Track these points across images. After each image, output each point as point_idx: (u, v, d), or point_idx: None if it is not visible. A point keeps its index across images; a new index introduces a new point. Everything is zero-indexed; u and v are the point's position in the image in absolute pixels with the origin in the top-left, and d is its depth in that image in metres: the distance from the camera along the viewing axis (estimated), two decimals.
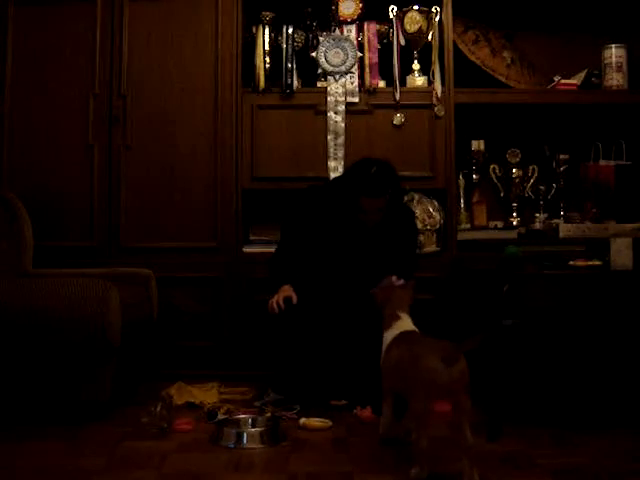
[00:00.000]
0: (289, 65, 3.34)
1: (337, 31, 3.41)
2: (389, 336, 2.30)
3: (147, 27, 3.33)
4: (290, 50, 3.36)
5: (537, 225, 3.49)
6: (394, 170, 2.78)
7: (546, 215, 3.54)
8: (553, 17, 3.61)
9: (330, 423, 2.49)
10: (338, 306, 2.75)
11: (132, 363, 2.93)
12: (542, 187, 3.58)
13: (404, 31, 3.40)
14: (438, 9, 3.39)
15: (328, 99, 3.33)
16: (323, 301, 2.77)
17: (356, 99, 3.35)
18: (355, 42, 3.37)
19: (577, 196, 3.55)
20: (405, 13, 3.40)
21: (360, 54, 3.37)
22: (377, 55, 3.39)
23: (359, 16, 3.40)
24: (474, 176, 3.61)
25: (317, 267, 2.81)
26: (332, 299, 2.77)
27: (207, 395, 2.84)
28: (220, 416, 2.53)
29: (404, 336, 2.25)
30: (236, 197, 3.32)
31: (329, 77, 3.34)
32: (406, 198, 3.34)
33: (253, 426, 2.41)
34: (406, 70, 3.43)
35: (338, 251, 2.79)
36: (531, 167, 3.58)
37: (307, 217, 2.87)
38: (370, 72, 3.37)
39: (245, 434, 2.31)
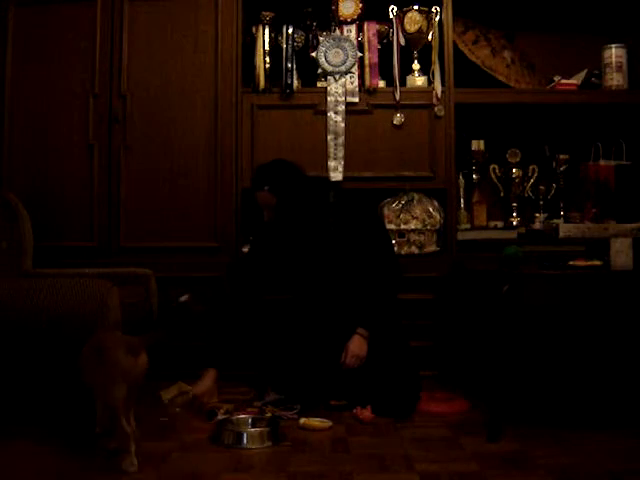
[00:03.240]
0: (289, 65, 3.34)
1: (337, 31, 3.41)
2: None
3: (147, 27, 3.34)
4: (290, 50, 3.36)
5: (537, 225, 3.50)
6: (281, 167, 2.76)
7: (546, 215, 3.54)
8: (553, 17, 3.61)
9: (330, 423, 2.49)
10: (334, 308, 2.76)
11: None
12: (542, 187, 3.58)
13: (404, 31, 3.41)
14: (438, 9, 3.39)
15: (328, 99, 3.33)
16: (318, 304, 2.78)
17: (356, 99, 3.35)
18: (355, 42, 3.37)
19: (577, 196, 3.55)
20: (405, 13, 3.41)
21: (360, 54, 3.37)
22: (377, 55, 3.39)
23: (359, 16, 3.40)
24: (474, 176, 3.61)
25: (278, 277, 2.82)
26: (326, 301, 2.77)
27: None
28: (220, 416, 2.53)
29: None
30: (236, 197, 3.32)
31: (329, 77, 3.34)
32: (406, 198, 3.34)
33: (253, 426, 2.41)
34: (406, 70, 3.43)
35: (292, 261, 2.80)
36: (531, 167, 3.58)
37: (258, 243, 2.89)
38: (370, 72, 3.37)
39: (245, 434, 2.31)
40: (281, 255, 2.81)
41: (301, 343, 2.75)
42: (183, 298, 2.24)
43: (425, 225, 3.33)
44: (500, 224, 3.55)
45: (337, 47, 3.36)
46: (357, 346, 2.65)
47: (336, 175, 3.27)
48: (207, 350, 2.74)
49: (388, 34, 3.43)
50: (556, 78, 3.47)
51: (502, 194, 3.60)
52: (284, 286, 2.85)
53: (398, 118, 3.35)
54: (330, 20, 3.44)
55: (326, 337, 2.74)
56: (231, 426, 2.37)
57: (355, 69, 3.36)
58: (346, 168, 3.30)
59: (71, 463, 2.12)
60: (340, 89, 3.33)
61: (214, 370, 2.67)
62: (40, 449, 2.25)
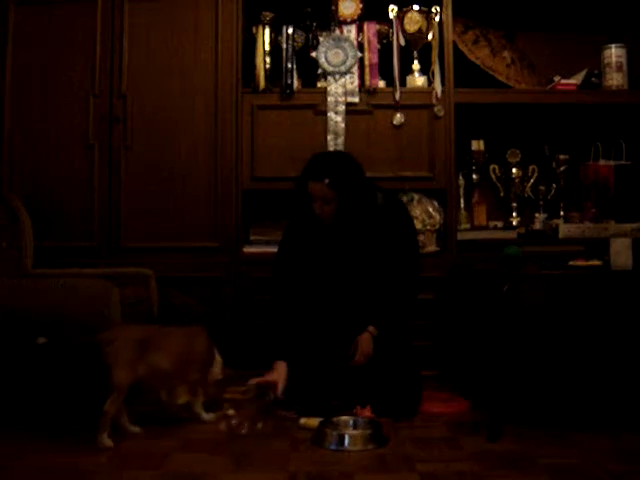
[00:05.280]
0: (289, 65, 3.35)
1: (337, 31, 3.41)
2: None
3: (147, 27, 3.34)
4: (290, 50, 3.36)
5: (537, 225, 3.50)
6: (343, 160, 2.69)
7: (546, 215, 3.54)
8: (553, 17, 3.61)
9: None
10: (337, 307, 2.75)
11: None
12: (542, 187, 3.59)
13: (404, 31, 3.41)
14: (438, 9, 3.39)
15: (328, 99, 3.33)
16: (322, 303, 2.77)
17: (356, 99, 3.35)
18: (355, 42, 3.37)
19: (577, 196, 3.56)
20: (405, 13, 3.41)
21: (360, 54, 3.37)
22: (377, 55, 3.39)
23: (359, 16, 3.40)
24: (474, 176, 3.62)
25: (312, 272, 2.78)
26: (331, 302, 2.76)
27: None
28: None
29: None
30: (236, 197, 3.32)
31: (329, 77, 3.35)
32: (406, 199, 3.34)
33: (355, 428, 2.37)
34: (406, 70, 3.43)
35: (329, 258, 2.76)
36: (531, 167, 3.59)
37: (295, 234, 2.81)
38: (370, 72, 3.37)
39: (347, 436, 2.27)
40: (321, 250, 2.75)
41: (306, 343, 2.74)
42: (41, 340, 2.38)
43: (425, 225, 3.33)
44: (500, 224, 3.55)
45: (337, 47, 3.36)
46: (367, 344, 2.64)
47: None
48: (271, 343, 2.68)
49: (388, 34, 3.43)
50: (556, 78, 3.46)
51: (502, 194, 3.60)
52: (308, 283, 2.78)
53: (398, 118, 3.35)
54: (330, 20, 3.44)
55: (333, 336, 2.73)
56: (332, 428, 2.33)
57: (355, 69, 3.36)
58: None
59: (71, 463, 2.12)
60: (340, 89, 3.33)
61: (284, 362, 2.62)
62: (40, 449, 2.25)
